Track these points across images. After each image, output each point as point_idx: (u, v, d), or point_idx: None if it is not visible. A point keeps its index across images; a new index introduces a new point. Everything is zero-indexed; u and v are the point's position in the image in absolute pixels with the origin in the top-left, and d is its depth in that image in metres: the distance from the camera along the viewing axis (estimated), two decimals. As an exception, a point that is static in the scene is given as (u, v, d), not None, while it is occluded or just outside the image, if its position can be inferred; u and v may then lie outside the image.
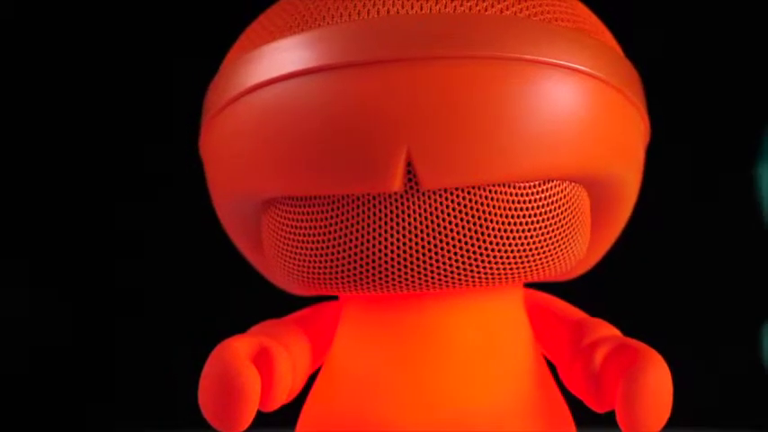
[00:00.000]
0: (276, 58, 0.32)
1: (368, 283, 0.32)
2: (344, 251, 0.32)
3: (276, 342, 0.33)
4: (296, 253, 0.33)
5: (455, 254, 0.32)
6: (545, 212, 0.32)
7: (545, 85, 0.31)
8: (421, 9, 0.31)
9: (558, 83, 0.31)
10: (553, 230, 0.32)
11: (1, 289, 0.70)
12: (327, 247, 0.32)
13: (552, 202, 0.32)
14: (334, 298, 0.36)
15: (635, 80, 0.34)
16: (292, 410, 0.36)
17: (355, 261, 0.32)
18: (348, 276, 0.32)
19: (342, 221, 0.32)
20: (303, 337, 0.35)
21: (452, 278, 0.32)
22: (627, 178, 0.34)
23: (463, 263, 0.32)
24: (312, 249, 0.32)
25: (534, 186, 0.32)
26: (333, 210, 0.32)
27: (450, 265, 0.32)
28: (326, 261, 0.32)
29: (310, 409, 0.35)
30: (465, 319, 0.34)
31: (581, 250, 0.34)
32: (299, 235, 0.33)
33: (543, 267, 0.33)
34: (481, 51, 0.31)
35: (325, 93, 0.31)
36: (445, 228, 0.31)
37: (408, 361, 0.33)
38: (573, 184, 0.33)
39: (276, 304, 0.39)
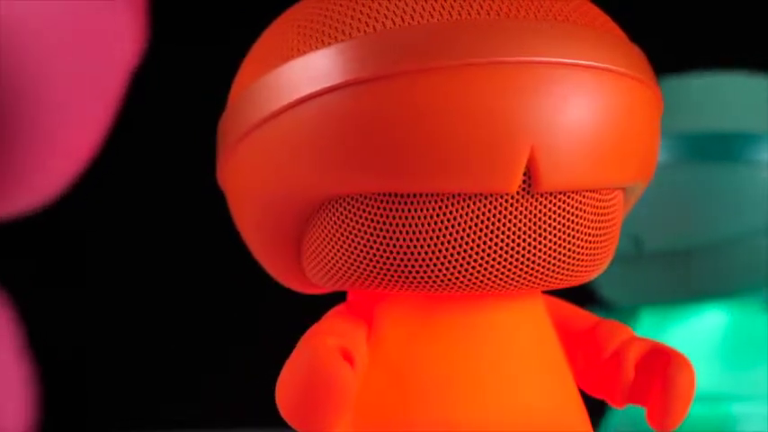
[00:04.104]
0: (371, 56, 0.31)
1: (452, 282, 0.32)
2: (440, 249, 0.31)
3: (351, 343, 0.33)
4: (368, 249, 0.32)
5: (549, 255, 0.32)
6: (610, 217, 0.33)
7: (631, 95, 0.32)
8: (537, 12, 0.32)
9: (639, 93, 0.32)
10: (610, 234, 0.33)
11: (1, 289, 0.70)
12: (418, 246, 0.31)
13: (614, 210, 0.33)
14: (343, 294, 0.35)
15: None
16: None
17: (451, 259, 0.31)
18: (432, 275, 0.32)
19: (445, 219, 0.31)
20: (362, 337, 0.34)
21: (540, 278, 0.32)
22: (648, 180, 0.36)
23: (553, 264, 0.32)
24: (397, 246, 0.32)
25: (609, 192, 0.33)
26: (437, 207, 0.31)
27: (542, 266, 0.32)
28: (413, 258, 0.32)
29: (358, 409, 0.34)
30: (519, 318, 0.34)
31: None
32: (383, 231, 0.32)
33: (597, 269, 0.34)
34: (597, 62, 0.31)
35: (445, 92, 0.30)
36: (545, 230, 0.32)
37: (470, 361, 0.33)
38: (622, 190, 0.34)
39: (276, 304, 0.39)
